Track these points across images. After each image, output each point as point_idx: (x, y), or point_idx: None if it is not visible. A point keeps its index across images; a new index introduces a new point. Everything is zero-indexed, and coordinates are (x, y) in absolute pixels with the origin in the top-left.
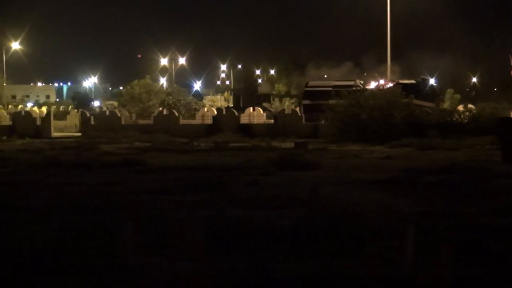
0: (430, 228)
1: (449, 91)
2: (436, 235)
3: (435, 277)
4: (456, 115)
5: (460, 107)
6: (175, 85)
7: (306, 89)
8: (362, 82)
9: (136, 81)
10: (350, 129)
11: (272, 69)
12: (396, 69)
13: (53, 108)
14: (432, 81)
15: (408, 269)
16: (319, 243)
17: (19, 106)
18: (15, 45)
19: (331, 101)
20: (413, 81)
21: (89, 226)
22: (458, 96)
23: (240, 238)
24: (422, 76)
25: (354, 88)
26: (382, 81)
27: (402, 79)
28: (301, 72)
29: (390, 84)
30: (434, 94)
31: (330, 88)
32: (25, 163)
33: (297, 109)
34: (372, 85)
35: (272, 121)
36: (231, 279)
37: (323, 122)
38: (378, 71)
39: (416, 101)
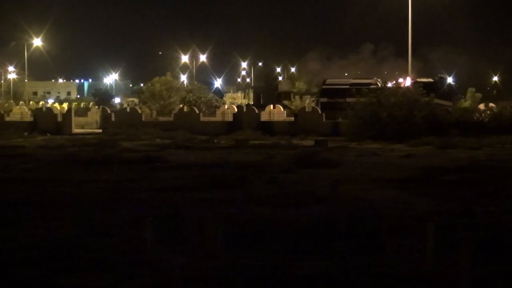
0: (449, 227)
1: (470, 89)
2: (455, 234)
3: (453, 275)
4: (477, 113)
5: (481, 106)
6: (196, 82)
7: (323, 87)
8: (380, 80)
9: (157, 78)
10: (370, 127)
11: (292, 67)
12: (415, 67)
13: (74, 104)
14: (449, 80)
15: (427, 267)
16: (338, 241)
17: (40, 103)
18: (37, 42)
19: (348, 99)
20: (430, 80)
21: (109, 223)
22: (479, 95)
23: (259, 235)
24: (440, 75)
25: (372, 86)
26: (400, 80)
27: (419, 77)
28: (320, 70)
29: (409, 82)
30: (451, 93)
31: (348, 86)
32: (46, 159)
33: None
34: (391, 83)
35: (292, 118)
36: (250, 276)
37: (340, 120)
38: (397, 68)
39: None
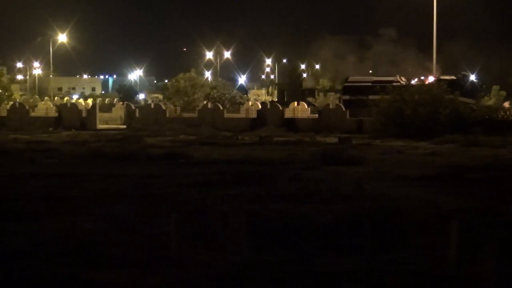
0: (474, 225)
1: (495, 87)
2: (480, 232)
3: (478, 274)
4: (501, 112)
5: (506, 104)
6: (220, 78)
7: (346, 84)
8: (403, 78)
9: (181, 75)
10: (394, 124)
11: (317, 64)
12: (438, 63)
13: (98, 100)
14: (472, 77)
15: (452, 265)
16: (362, 238)
17: (65, 98)
18: (62, 38)
19: (371, 97)
20: (453, 77)
21: (133, 218)
22: (503, 93)
23: (283, 232)
24: (463, 72)
25: (395, 84)
26: (422, 78)
27: (442, 74)
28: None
29: (432, 80)
30: (474, 91)
31: (370, 84)
32: (71, 154)
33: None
34: (414, 81)
35: (316, 116)
36: (273, 273)
37: (363, 117)
38: (419, 64)
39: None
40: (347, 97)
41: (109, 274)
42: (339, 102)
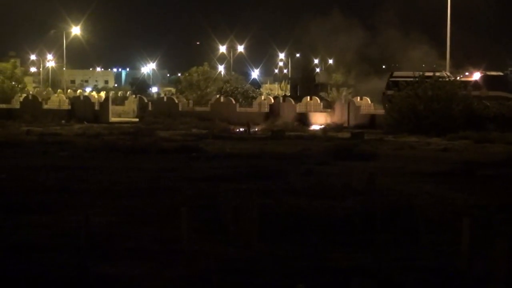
0: (486, 222)
1: None
2: (492, 229)
3: (489, 271)
4: None
5: None
6: (233, 72)
7: (391, 79)
8: (448, 73)
9: (194, 68)
10: (407, 120)
11: (330, 59)
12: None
13: (111, 93)
14: None
15: (463, 262)
16: (374, 234)
17: (78, 91)
18: (75, 30)
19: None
20: (500, 73)
21: (145, 211)
22: None
23: (295, 226)
24: (510, 69)
25: (442, 79)
26: (467, 73)
27: (489, 70)
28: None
29: (478, 76)
30: None
31: (416, 79)
32: (84, 147)
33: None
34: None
35: (328, 110)
36: (284, 267)
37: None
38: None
39: (503, 94)
40: (391, 92)
41: (121, 267)
42: (382, 97)
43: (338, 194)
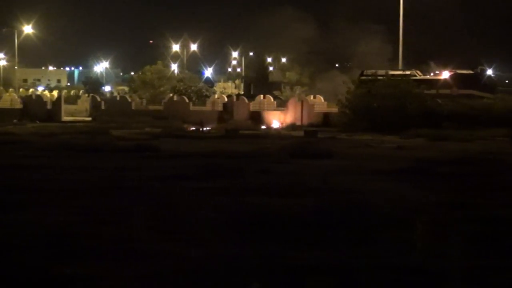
0: (443, 219)
1: None
2: (448, 226)
3: (446, 268)
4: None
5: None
6: (187, 71)
7: (361, 78)
8: (419, 71)
9: (147, 67)
10: (361, 118)
11: (283, 57)
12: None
13: (64, 92)
14: (490, 72)
15: (420, 259)
16: (331, 232)
17: (30, 90)
18: (27, 29)
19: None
20: (470, 72)
21: (102, 211)
22: None
23: (252, 225)
24: (481, 67)
25: (413, 78)
26: (437, 72)
27: (459, 69)
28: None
29: (447, 74)
30: (492, 85)
31: (385, 77)
32: (38, 146)
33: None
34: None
35: (283, 109)
36: (241, 266)
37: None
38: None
39: (474, 92)
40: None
41: (81, 267)
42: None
43: (295, 192)
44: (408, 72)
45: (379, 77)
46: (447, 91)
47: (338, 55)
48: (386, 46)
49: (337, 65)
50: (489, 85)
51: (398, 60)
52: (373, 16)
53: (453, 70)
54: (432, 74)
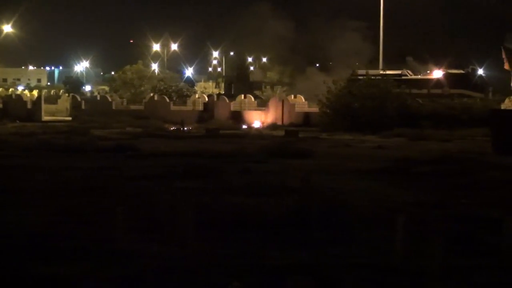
0: (422, 218)
1: None
2: (427, 225)
3: (424, 267)
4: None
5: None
6: (167, 71)
7: (352, 78)
8: (409, 71)
9: (128, 66)
10: (342, 118)
11: (264, 57)
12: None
13: (44, 92)
14: (480, 71)
15: (398, 258)
16: (310, 232)
17: (10, 90)
18: (7, 28)
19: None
20: (462, 71)
21: (82, 211)
22: None
23: (231, 225)
24: (471, 66)
25: (404, 77)
26: (428, 71)
27: (451, 69)
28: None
29: (439, 74)
30: (483, 85)
31: (378, 77)
32: (18, 146)
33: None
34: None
35: (263, 108)
36: (220, 266)
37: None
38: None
39: (465, 91)
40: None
41: (59, 268)
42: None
43: (275, 192)
44: (399, 72)
45: (372, 77)
46: (438, 91)
47: (319, 54)
48: (367, 45)
49: (317, 64)
50: (481, 85)
51: (379, 59)
52: (354, 15)
53: (445, 70)
54: (422, 74)
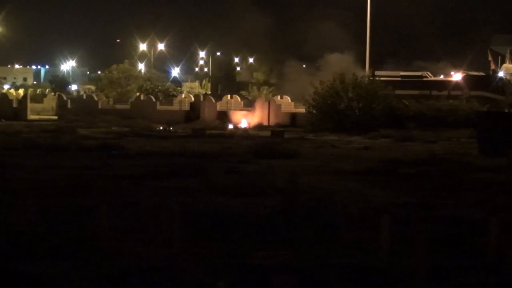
0: (406, 219)
1: None
2: (412, 226)
3: (408, 267)
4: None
5: None
6: (154, 70)
7: (372, 79)
8: (429, 73)
9: (114, 66)
10: (328, 119)
11: (251, 57)
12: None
13: (30, 90)
14: (501, 74)
15: (383, 258)
16: (296, 231)
17: None
18: None
19: (397, 92)
20: (482, 74)
21: (66, 209)
22: None
23: (217, 225)
24: (492, 68)
25: (424, 79)
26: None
27: (471, 71)
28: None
29: (460, 76)
30: (505, 87)
31: (399, 79)
32: (3, 145)
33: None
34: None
35: (249, 108)
36: (205, 265)
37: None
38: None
39: (485, 93)
40: None
41: (42, 266)
42: None
43: (260, 192)
44: (419, 74)
45: (390, 78)
46: (458, 93)
47: (305, 53)
48: (353, 45)
49: (304, 65)
50: (502, 87)
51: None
52: (343, 16)
53: (465, 72)
54: (442, 76)
